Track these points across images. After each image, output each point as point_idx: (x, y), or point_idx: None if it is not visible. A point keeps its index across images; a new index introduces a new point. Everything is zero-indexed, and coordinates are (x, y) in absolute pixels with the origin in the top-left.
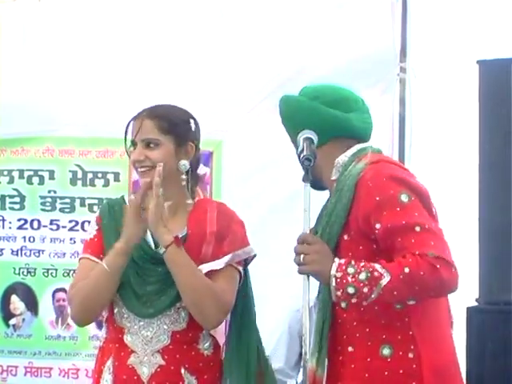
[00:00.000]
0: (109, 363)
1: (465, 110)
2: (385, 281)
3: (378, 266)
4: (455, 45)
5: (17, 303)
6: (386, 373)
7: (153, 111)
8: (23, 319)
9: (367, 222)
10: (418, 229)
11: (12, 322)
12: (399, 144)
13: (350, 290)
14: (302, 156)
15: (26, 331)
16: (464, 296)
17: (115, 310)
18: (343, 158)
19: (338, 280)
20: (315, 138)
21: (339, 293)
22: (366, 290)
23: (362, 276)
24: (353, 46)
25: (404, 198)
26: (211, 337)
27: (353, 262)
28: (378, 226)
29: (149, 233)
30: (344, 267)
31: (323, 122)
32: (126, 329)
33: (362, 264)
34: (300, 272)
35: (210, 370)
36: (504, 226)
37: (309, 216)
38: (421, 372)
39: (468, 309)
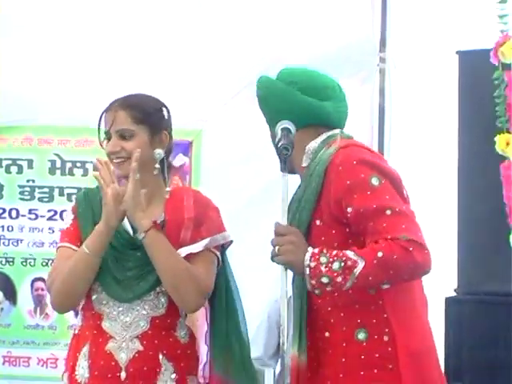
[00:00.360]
0: (85, 350)
1: (444, 101)
2: (359, 268)
3: (350, 254)
4: (435, 35)
5: None
6: (363, 357)
7: (125, 101)
8: (1, 308)
9: (339, 206)
10: (389, 212)
11: None
12: (379, 134)
13: (324, 280)
14: (279, 145)
15: (4, 320)
16: (442, 286)
17: (93, 297)
18: (313, 144)
19: (312, 270)
20: (293, 128)
21: (314, 282)
22: (339, 279)
23: (336, 266)
24: (332, 36)
25: (375, 181)
26: (187, 326)
27: (325, 251)
28: (349, 209)
29: (126, 219)
30: (317, 256)
31: (297, 109)
32: (105, 315)
33: (335, 253)
34: (275, 262)
35: (186, 357)
36: (483, 216)
37: (286, 206)
38: (396, 355)
39: (446, 299)
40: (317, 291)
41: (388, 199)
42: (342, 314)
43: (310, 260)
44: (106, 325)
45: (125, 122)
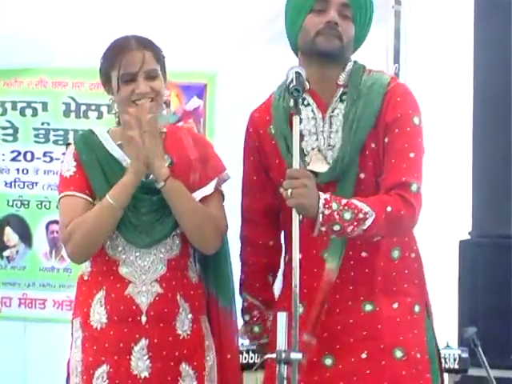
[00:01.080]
0: (99, 296)
1: (460, 44)
2: (369, 221)
3: (362, 206)
4: None
5: (10, 235)
6: (394, 273)
7: (143, 41)
8: (17, 251)
9: (384, 132)
10: (412, 155)
11: (6, 253)
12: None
13: (336, 228)
14: (290, 86)
15: (19, 263)
16: (457, 229)
17: (107, 243)
18: (349, 65)
19: (326, 217)
20: (303, 72)
21: (324, 228)
22: (349, 229)
23: (347, 216)
24: None
25: (416, 120)
26: (196, 266)
27: (334, 198)
28: (386, 139)
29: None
30: (330, 204)
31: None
32: (121, 260)
33: (344, 202)
34: (288, 204)
35: (199, 297)
36: (498, 160)
37: (298, 147)
38: (421, 270)
39: (461, 242)
40: (318, 234)
41: (418, 142)
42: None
43: (324, 207)
44: (123, 270)
45: (151, 62)
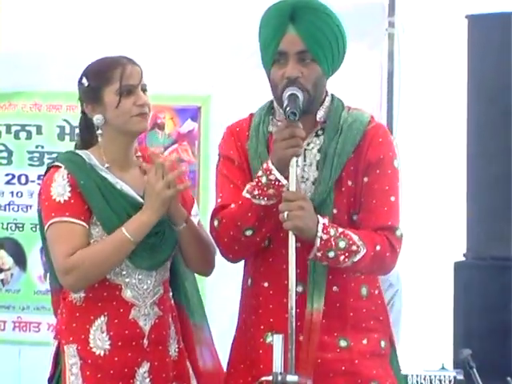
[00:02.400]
0: (99, 322)
1: (453, 65)
2: (360, 255)
3: (356, 238)
4: None
5: (5, 258)
6: (364, 310)
7: (132, 59)
8: (11, 274)
9: (363, 172)
10: (393, 199)
11: (0, 276)
12: (387, 99)
13: (330, 255)
14: (287, 110)
15: (14, 286)
16: (451, 251)
17: None
18: (327, 100)
19: (323, 242)
20: (301, 95)
21: (320, 254)
22: (342, 258)
23: (342, 244)
24: (341, 0)
25: (396, 163)
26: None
27: (331, 224)
28: (365, 179)
29: (127, 187)
30: (328, 229)
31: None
32: (124, 284)
33: (341, 230)
34: (284, 227)
35: (179, 317)
36: (493, 181)
37: (295, 172)
38: (384, 307)
39: (455, 264)
40: (312, 258)
41: (397, 186)
42: (351, 272)
43: (322, 231)
44: (127, 294)
45: (143, 77)
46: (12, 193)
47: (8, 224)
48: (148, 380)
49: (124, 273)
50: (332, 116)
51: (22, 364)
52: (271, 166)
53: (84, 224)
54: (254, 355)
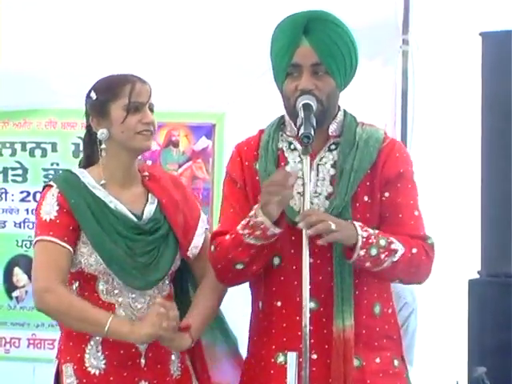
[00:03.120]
0: (94, 341)
1: (468, 82)
2: (399, 254)
3: (393, 238)
4: (458, 16)
5: (20, 275)
6: (377, 329)
7: (141, 78)
8: (26, 291)
9: (383, 188)
10: (417, 213)
11: (15, 294)
12: (401, 116)
13: (373, 252)
14: (300, 134)
15: (28, 303)
16: (466, 269)
17: (99, 288)
18: (340, 114)
19: (364, 240)
20: (314, 104)
21: (362, 252)
22: (383, 256)
23: (382, 242)
24: (355, 17)
25: (414, 178)
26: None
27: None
28: (387, 194)
29: (121, 205)
30: (365, 228)
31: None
32: (117, 304)
33: (377, 231)
34: (327, 241)
35: (179, 336)
36: (507, 198)
37: (308, 189)
38: (396, 326)
39: (470, 281)
40: (351, 260)
41: (417, 199)
42: (365, 288)
43: (362, 229)
44: (120, 313)
45: (151, 96)
46: (27, 210)
47: (23, 241)
48: None
49: (116, 292)
50: (346, 131)
51: (36, 381)
52: (258, 211)
53: (66, 245)
54: (265, 377)
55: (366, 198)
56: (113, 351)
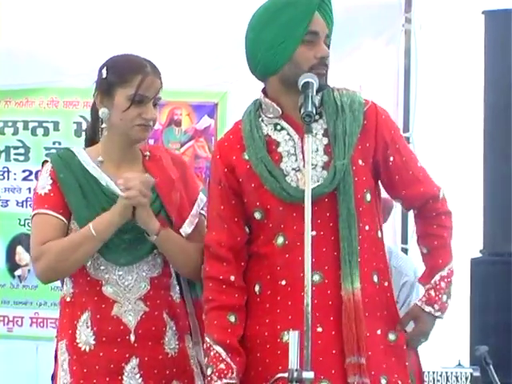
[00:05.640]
0: (84, 317)
1: (470, 61)
2: (451, 262)
3: (444, 263)
4: None
5: (22, 254)
6: (377, 298)
7: (157, 70)
8: (29, 270)
9: (384, 153)
10: (419, 164)
11: (17, 272)
12: (404, 95)
13: (444, 298)
14: (302, 113)
15: (31, 282)
16: (468, 247)
17: (88, 264)
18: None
19: (436, 308)
20: (316, 82)
21: (439, 311)
22: (450, 284)
23: (443, 284)
24: None
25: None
26: (178, 285)
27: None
28: (391, 158)
29: (112, 183)
30: (427, 300)
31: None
32: (104, 280)
33: (432, 284)
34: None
35: (183, 316)
36: (509, 178)
37: (310, 168)
38: (393, 301)
39: (472, 260)
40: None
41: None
42: (366, 256)
43: (427, 306)
44: (107, 290)
45: (160, 92)
46: (29, 189)
47: (25, 220)
48: (138, 376)
49: (103, 268)
50: (326, 99)
51: (39, 359)
52: None
53: (61, 217)
54: (271, 358)
55: (360, 162)
56: (101, 328)
